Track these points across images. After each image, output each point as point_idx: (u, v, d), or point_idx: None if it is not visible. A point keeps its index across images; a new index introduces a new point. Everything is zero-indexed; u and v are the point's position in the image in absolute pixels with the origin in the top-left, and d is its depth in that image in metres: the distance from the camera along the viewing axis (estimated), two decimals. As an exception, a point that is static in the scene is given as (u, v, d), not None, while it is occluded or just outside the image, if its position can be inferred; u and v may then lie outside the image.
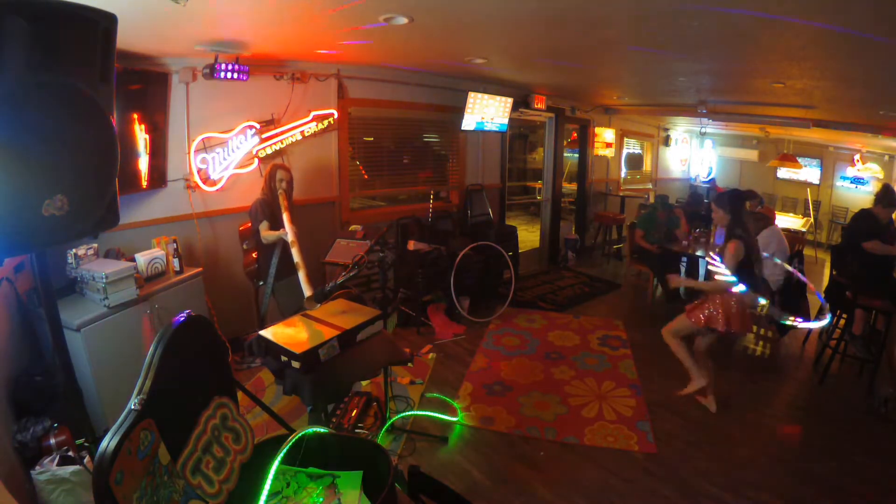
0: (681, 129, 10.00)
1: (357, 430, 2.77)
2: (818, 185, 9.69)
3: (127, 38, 2.51)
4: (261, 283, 3.50)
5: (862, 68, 3.17)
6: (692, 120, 8.14)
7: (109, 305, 2.58)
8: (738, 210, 2.96)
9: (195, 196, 3.63)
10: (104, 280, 2.55)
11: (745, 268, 2.90)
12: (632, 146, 8.94)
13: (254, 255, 3.52)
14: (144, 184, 3.24)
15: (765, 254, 4.26)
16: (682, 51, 3.22)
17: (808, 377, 3.86)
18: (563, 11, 2.48)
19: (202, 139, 3.58)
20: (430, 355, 3.96)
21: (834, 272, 4.40)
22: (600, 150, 7.88)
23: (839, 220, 9.18)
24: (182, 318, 1.44)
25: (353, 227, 4.09)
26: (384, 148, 5.11)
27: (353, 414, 2.83)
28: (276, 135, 3.94)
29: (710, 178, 10.40)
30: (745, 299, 2.93)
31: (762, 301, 3.21)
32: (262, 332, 2.09)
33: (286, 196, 3.31)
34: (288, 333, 2.09)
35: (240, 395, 1.82)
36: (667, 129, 9.70)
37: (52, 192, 1.23)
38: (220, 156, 3.65)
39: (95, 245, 2.82)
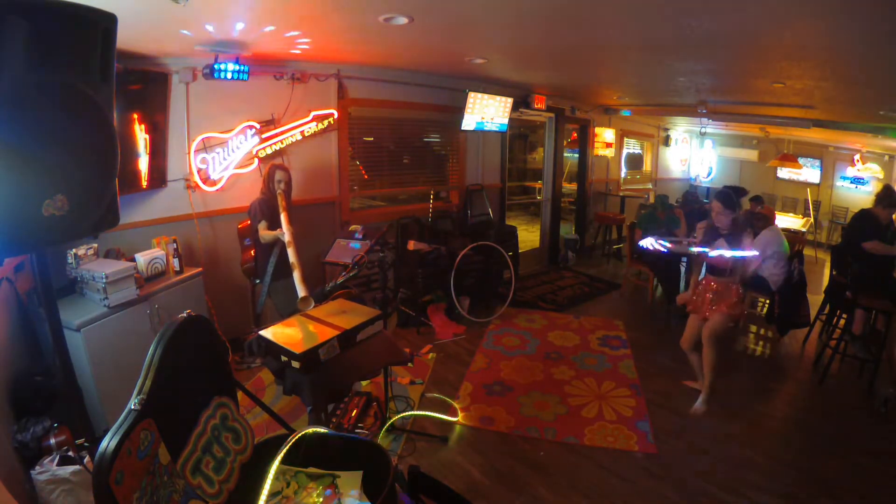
0: (681, 129, 10.00)
1: (357, 430, 2.78)
2: (818, 185, 9.69)
3: (127, 38, 2.51)
4: (257, 281, 3.50)
5: (862, 68, 3.17)
6: (692, 120, 8.14)
7: (109, 305, 2.58)
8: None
9: (195, 196, 3.63)
10: (104, 280, 2.55)
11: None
12: (632, 146, 8.94)
13: (251, 252, 3.52)
14: (144, 184, 3.24)
15: (769, 251, 4.28)
16: (682, 51, 3.23)
17: (808, 377, 3.85)
18: (564, 11, 2.48)
19: (202, 139, 3.58)
20: (430, 355, 3.96)
21: (834, 272, 4.40)
22: (600, 150, 7.88)
23: (839, 220, 9.18)
24: (182, 318, 1.44)
25: (353, 227, 4.10)
26: (384, 148, 5.11)
27: (353, 414, 2.83)
28: (276, 135, 3.94)
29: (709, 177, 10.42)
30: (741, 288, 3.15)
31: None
32: (262, 332, 2.09)
33: (285, 196, 3.31)
34: (288, 333, 2.09)
35: (240, 395, 1.82)
36: (667, 129, 9.70)
37: (52, 192, 1.23)
38: (220, 156, 3.65)
39: (95, 245, 2.82)
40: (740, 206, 3.12)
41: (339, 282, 2.45)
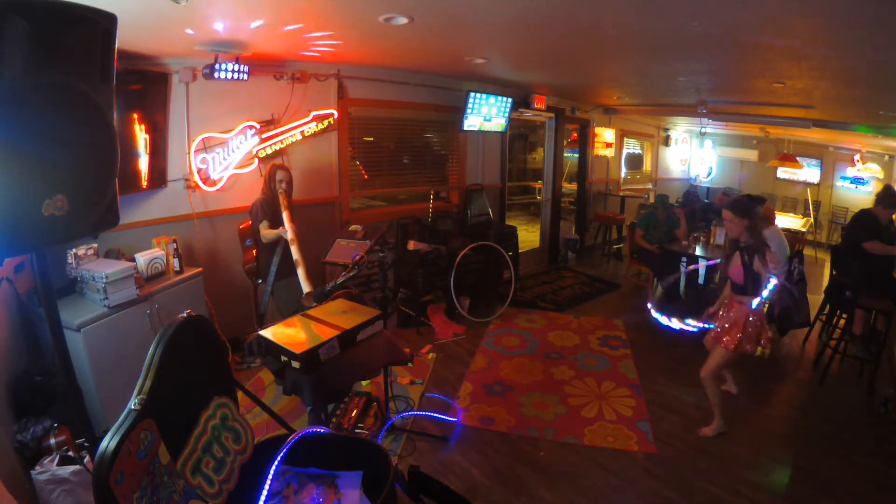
0: (681, 129, 10.00)
1: (357, 430, 2.78)
2: (818, 185, 9.69)
3: (127, 38, 2.52)
4: (260, 281, 3.50)
5: (862, 68, 3.17)
6: (692, 120, 8.14)
7: (109, 305, 2.58)
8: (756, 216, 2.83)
9: (195, 196, 3.63)
10: (104, 280, 2.55)
11: (757, 276, 2.73)
12: (632, 146, 8.94)
13: (254, 252, 3.52)
14: (144, 184, 3.24)
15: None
16: (683, 51, 3.23)
17: (808, 377, 3.85)
18: (564, 11, 2.48)
19: (202, 139, 3.58)
20: (430, 355, 3.96)
21: (834, 272, 4.40)
22: (600, 150, 7.88)
23: (839, 220, 9.18)
24: (182, 318, 1.44)
25: (353, 227, 4.09)
26: (384, 148, 5.11)
27: (353, 414, 2.84)
28: (276, 135, 3.94)
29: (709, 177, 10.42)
30: (763, 312, 2.80)
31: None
32: (262, 332, 2.09)
33: (286, 196, 3.31)
34: (288, 333, 2.09)
35: (240, 395, 1.82)
36: (667, 129, 9.70)
37: (52, 192, 1.23)
38: (220, 156, 3.65)
39: (95, 245, 2.82)
40: (752, 216, 2.79)
41: (339, 282, 2.45)
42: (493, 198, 5.98)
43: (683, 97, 5.59)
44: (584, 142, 7.62)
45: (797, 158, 8.68)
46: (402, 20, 2.62)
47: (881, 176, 8.74)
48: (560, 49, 3.49)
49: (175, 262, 3.21)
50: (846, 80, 3.66)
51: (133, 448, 1.14)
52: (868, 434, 3.05)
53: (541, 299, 5.47)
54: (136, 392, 1.22)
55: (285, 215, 3.17)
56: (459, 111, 5.09)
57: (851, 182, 9.29)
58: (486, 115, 5.33)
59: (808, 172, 9.67)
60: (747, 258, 2.74)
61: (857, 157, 9.01)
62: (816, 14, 2.21)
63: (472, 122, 5.21)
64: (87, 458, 1.88)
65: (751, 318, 2.77)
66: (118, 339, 2.60)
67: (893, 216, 3.96)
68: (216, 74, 3.29)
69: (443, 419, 3.05)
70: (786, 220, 8.12)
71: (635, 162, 9.23)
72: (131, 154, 3.08)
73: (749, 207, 2.79)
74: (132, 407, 1.19)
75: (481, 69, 4.46)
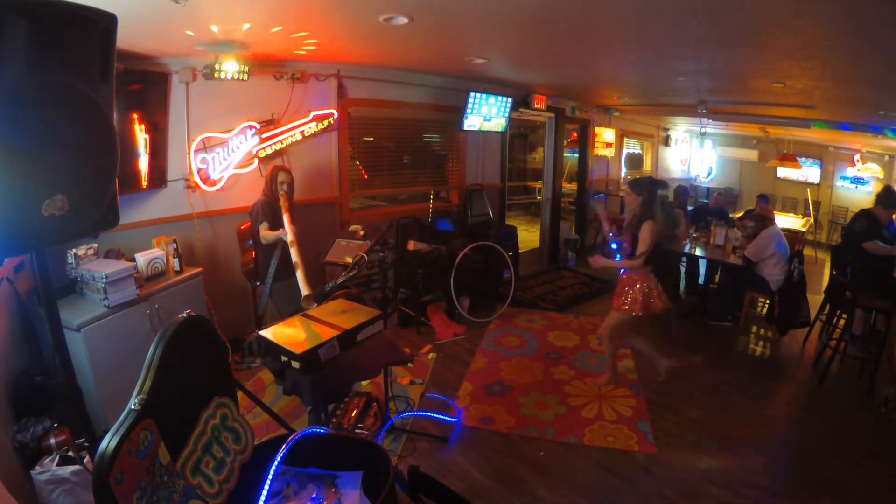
0: (681, 129, 10.00)
1: (357, 430, 2.78)
2: (818, 185, 9.68)
3: (127, 38, 2.51)
4: (258, 283, 3.50)
5: (862, 68, 3.17)
6: (692, 120, 8.14)
7: (109, 305, 2.58)
8: (653, 195, 3.16)
9: (195, 196, 3.63)
10: (104, 280, 2.55)
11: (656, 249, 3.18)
12: (632, 146, 8.94)
13: (252, 254, 3.52)
14: (144, 184, 3.24)
15: (773, 251, 4.29)
16: (682, 51, 3.23)
17: (808, 377, 3.85)
18: (564, 12, 2.48)
19: (202, 139, 3.58)
20: (430, 355, 3.96)
21: (834, 272, 4.40)
22: (600, 150, 7.87)
23: (839, 220, 9.18)
24: (182, 318, 1.44)
25: (353, 228, 4.09)
26: (384, 148, 5.11)
27: (353, 414, 2.83)
28: (276, 135, 3.94)
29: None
30: (652, 280, 3.23)
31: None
32: (262, 332, 2.09)
33: (287, 197, 3.31)
34: (288, 333, 2.10)
35: (240, 395, 1.82)
36: (667, 129, 9.69)
37: (52, 192, 1.23)
38: (220, 156, 3.65)
39: (95, 245, 2.82)
40: (645, 194, 3.15)
41: (339, 282, 2.45)
42: (493, 198, 5.98)
43: (683, 97, 5.59)
44: (584, 142, 7.62)
45: (797, 158, 8.68)
46: (402, 20, 2.62)
47: (881, 176, 8.74)
48: (560, 49, 3.49)
49: (175, 262, 3.21)
50: (846, 80, 3.66)
51: (133, 448, 1.14)
52: (868, 434, 3.05)
53: (541, 299, 5.47)
54: (136, 392, 1.22)
55: (286, 217, 3.16)
56: (459, 111, 5.08)
57: (851, 182, 9.29)
58: (486, 114, 5.32)
59: (808, 172, 9.67)
60: (636, 230, 3.17)
61: (857, 157, 9.01)
62: (817, 14, 2.21)
63: (472, 122, 5.21)
64: (87, 458, 1.88)
65: (631, 282, 3.24)
66: (118, 339, 2.60)
67: (894, 216, 3.96)
68: (216, 74, 3.30)
69: (443, 419, 3.05)
70: (786, 220, 8.12)
71: (635, 162, 9.22)
72: (131, 154, 3.08)
73: (644, 186, 3.18)
74: (132, 407, 1.19)
75: (481, 69, 4.46)
